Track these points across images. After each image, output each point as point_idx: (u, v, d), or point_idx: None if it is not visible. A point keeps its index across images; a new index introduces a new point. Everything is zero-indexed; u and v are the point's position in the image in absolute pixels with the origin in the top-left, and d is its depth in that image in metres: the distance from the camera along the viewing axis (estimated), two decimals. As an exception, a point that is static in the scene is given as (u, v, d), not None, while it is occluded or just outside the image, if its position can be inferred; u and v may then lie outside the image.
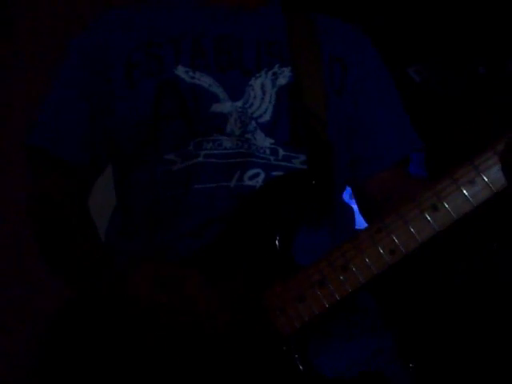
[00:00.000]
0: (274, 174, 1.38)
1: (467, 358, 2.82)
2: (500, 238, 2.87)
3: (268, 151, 1.39)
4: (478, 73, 3.08)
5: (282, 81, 1.43)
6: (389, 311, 1.54)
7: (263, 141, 1.39)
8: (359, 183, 1.55)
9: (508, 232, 2.84)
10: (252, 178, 1.37)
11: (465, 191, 1.25)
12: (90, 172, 1.53)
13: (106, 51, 1.45)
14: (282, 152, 1.40)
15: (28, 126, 1.53)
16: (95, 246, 1.42)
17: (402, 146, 1.55)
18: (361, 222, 1.58)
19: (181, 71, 1.41)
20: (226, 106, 1.39)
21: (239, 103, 1.40)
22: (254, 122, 1.40)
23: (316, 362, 1.30)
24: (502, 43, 3.01)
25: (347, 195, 1.63)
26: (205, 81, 1.41)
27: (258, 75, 1.42)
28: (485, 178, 1.25)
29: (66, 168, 1.49)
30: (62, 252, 1.44)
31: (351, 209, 1.56)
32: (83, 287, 1.39)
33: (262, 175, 1.37)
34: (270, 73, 1.43)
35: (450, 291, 2.91)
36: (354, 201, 1.62)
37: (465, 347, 2.85)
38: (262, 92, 1.41)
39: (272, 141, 1.39)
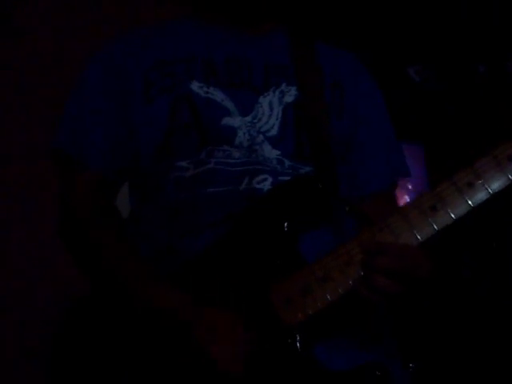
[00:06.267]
0: (281, 178, 1.45)
1: (467, 358, 2.83)
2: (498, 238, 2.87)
3: (275, 161, 1.47)
4: (477, 72, 3.08)
5: (288, 98, 1.51)
6: (391, 312, 1.55)
7: (270, 152, 1.47)
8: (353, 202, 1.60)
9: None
10: (260, 182, 1.44)
11: (463, 193, 1.32)
12: (114, 180, 1.57)
13: (125, 66, 1.53)
14: (288, 163, 1.47)
15: (55, 133, 1.56)
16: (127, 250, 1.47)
17: (390, 173, 1.63)
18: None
19: (196, 86, 1.49)
20: (236, 120, 1.48)
21: (248, 118, 1.48)
22: (261, 136, 1.48)
23: (319, 356, 1.33)
24: (502, 43, 3.02)
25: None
26: (218, 95, 1.49)
27: (266, 94, 1.51)
28: (483, 180, 1.31)
29: (92, 175, 1.53)
30: (94, 259, 1.48)
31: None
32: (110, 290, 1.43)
33: (270, 179, 1.45)
34: (278, 91, 1.51)
35: (450, 292, 2.91)
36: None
37: (465, 347, 2.86)
38: (270, 109, 1.50)
39: (278, 152, 1.47)
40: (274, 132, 1.48)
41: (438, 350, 2.86)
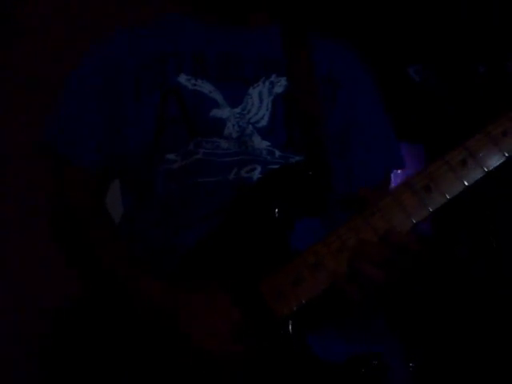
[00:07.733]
0: (271, 167, 1.44)
1: (467, 357, 2.83)
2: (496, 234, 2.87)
3: (265, 152, 1.47)
4: (477, 72, 3.08)
5: (278, 89, 1.51)
6: (391, 311, 1.55)
7: (260, 143, 1.47)
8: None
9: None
10: (249, 171, 1.44)
11: (457, 172, 1.30)
12: (105, 178, 1.59)
13: (117, 64, 1.54)
14: (278, 153, 1.47)
15: (45, 130, 1.57)
16: (119, 247, 1.48)
17: (387, 167, 1.63)
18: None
19: (183, 79, 1.50)
20: (224, 112, 1.48)
21: (238, 109, 1.49)
22: (251, 127, 1.48)
23: (313, 347, 1.33)
24: (502, 43, 3.02)
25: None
26: (205, 87, 1.49)
27: (256, 85, 1.51)
28: (476, 158, 1.29)
29: (85, 173, 1.54)
30: (95, 257, 1.48)
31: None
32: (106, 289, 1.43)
33: (259, 169, 1.45)
34: (267, 82, 1.52)
35: (450, 291, 2.92)
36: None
37: (465, 346, 2.86)
38: (260, 100, 1.50)
39: (268, 143, 1.47)
40: (263, 123, 1.48)
41: (437, 341, 2.86)
